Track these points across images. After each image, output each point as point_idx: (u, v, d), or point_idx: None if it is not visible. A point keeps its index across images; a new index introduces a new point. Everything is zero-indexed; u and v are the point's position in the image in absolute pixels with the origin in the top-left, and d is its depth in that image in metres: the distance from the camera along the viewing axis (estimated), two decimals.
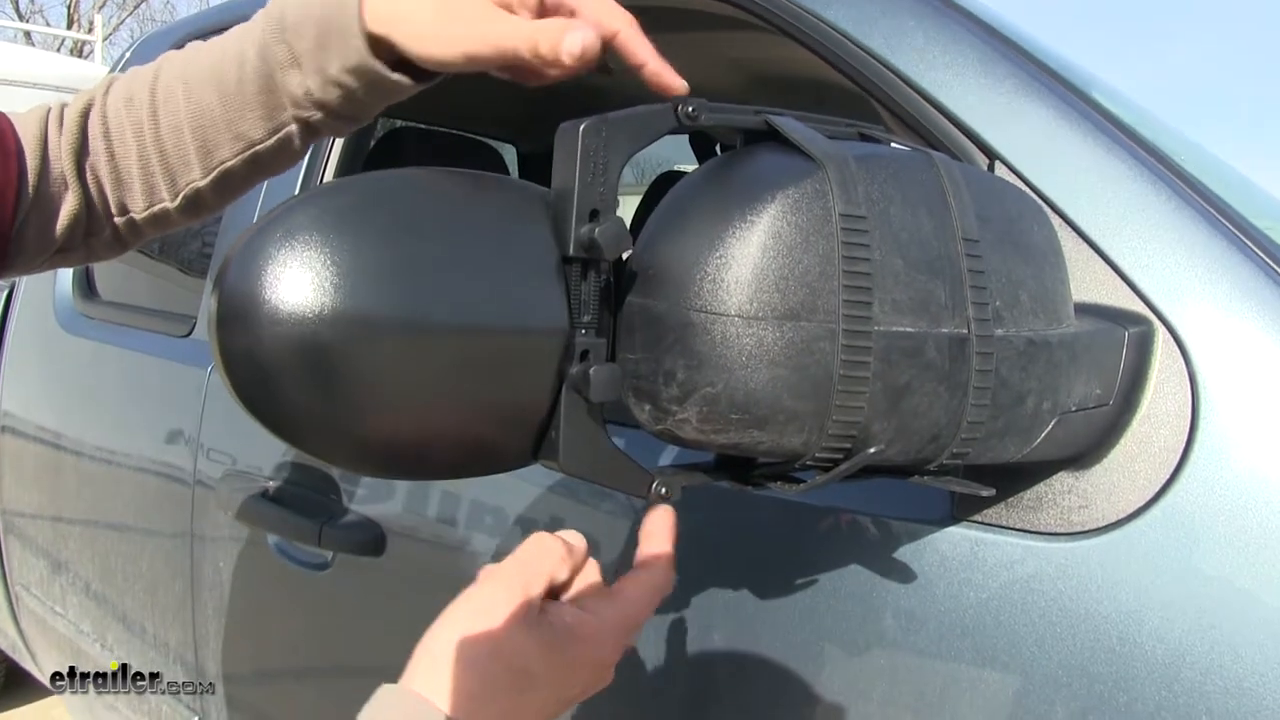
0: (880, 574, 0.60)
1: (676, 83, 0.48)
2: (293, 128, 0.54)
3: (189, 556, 1.24)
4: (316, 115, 0.53)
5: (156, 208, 0.58)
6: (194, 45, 0.57)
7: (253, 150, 0.55)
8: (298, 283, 0.37)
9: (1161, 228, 0.57)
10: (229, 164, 0.55)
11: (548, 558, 0.46)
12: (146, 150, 0.56)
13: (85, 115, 0.57)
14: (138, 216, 0.59)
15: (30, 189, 0.55)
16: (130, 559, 1.39)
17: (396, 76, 0.51)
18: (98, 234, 0.60)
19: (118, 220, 0.59)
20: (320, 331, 0.37)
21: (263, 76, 0.52)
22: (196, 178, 0.56)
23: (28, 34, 13.03)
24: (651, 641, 0.70)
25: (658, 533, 0.48)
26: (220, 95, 0.54)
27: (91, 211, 0.58)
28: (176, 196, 0.57)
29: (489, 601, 0.43)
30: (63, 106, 0.58)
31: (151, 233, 0.61)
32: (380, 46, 0.50)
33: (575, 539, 0.48)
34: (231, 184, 0.57)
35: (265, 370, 0.38)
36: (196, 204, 0.58)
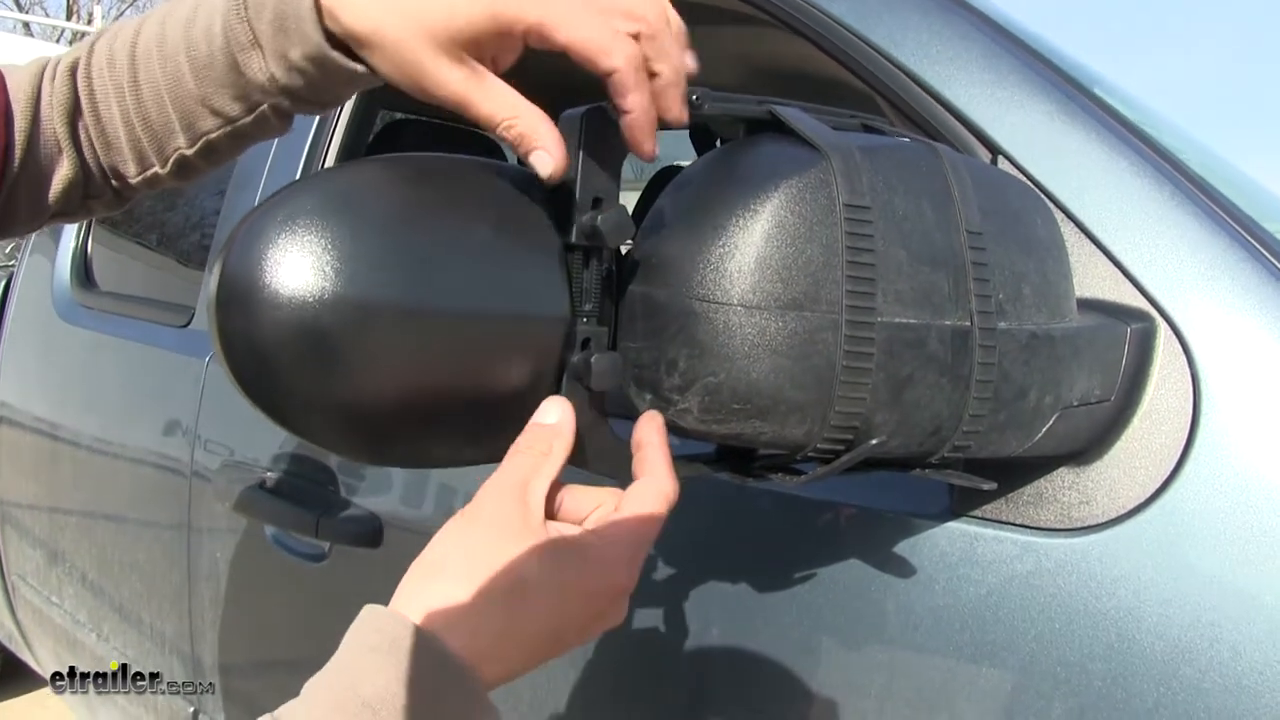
0: (879, 569, 0.60)
1: (648, 145, 0.43)
2: (265, 108, 0.52)
3: (186, 547, 1.23)
4: (285, 102, 0.51)
5: (149, 173, 0.56)
6: (168, 6, 0.54)
7: (232, 126, 0.53)
8: (298, 267, 0.37)
9: (1164, 224, 0.57)
10: (212, 136, 0.54)
11: (550, 460, 0.42)
12: (130, 116, 0.54)
13: (73, 73, 0.55)
14: (132, 180, 0.57)
15: (19, 153, 0.53)
16: (127, 550, 1.39)
17: (359, 67, 0.48)
18: (98, 196, 0.58)
19: (115, 184, 0.57)
20: (320, 316, 0.37)
21: (228, 56, 0.50)
22: (183, 145, 0.54)
23: (27, 25, 13.00)
24: (649, 637, 0.70)
25: (650, 439, 0.45)
26: (192, 68, 0.51)
27: (89, 176, 0.56)
28: (166, 163, 0.55)
29: (483, 511, 0.41)
30: (57, 62, 0.55)
31: (147, 192, 0.59)
32: (337, 41, 0.47)
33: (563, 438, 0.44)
34: (218, 153, 0.55)
35: (264, 354, 0.37)
36: (186, 169, 0.56)
